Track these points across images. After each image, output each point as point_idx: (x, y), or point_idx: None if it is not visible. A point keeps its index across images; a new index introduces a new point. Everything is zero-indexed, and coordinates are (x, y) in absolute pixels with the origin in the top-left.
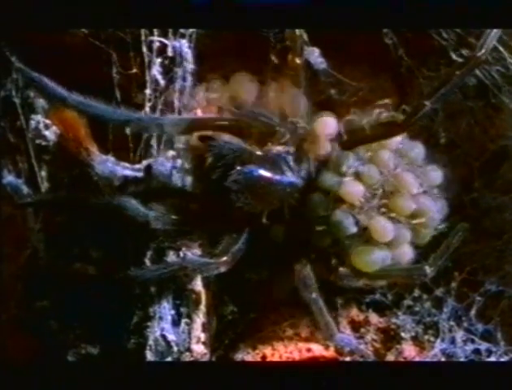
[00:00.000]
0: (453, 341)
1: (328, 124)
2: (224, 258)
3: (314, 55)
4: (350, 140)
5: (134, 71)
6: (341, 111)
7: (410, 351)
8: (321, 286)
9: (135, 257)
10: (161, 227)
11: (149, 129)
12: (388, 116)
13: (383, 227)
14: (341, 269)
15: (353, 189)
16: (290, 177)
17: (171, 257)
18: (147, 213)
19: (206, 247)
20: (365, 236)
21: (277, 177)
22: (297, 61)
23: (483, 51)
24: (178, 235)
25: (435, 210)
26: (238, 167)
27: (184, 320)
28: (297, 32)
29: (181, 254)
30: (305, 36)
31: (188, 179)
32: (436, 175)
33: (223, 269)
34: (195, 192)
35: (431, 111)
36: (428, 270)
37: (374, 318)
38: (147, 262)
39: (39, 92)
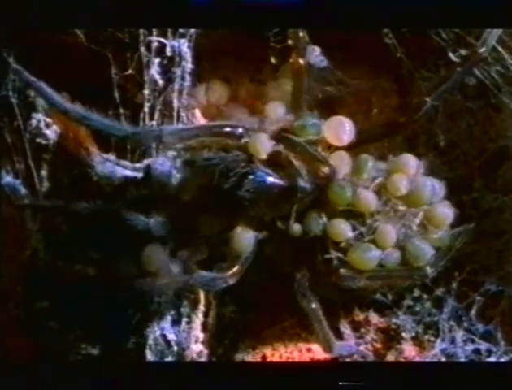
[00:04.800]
0: (453, 341)
1: (342, 125)
2: (232, 271)
3: (314, 54)
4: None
5: (133, 71)
6: (342, 111)
7: (410, 351)
8: (321, 286)
9: (135, 257)
10: (162, 234)
11: (148, 142)
12: None
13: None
14: (342, 270)
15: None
16: (300, 182)
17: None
18: (147, 221)
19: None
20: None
21: (288, 183)
22: (301, 61)
23: (484, 48)
24: (180, 242)
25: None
26: (250, 176)
27: (184, 320)
28: (300, 32)
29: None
30: (306, 36)
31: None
32: (447, 213)
33: (231, 282)
34: (198, 198)
35: (433, 109)
36: (429, 270)
37: (374, 318)
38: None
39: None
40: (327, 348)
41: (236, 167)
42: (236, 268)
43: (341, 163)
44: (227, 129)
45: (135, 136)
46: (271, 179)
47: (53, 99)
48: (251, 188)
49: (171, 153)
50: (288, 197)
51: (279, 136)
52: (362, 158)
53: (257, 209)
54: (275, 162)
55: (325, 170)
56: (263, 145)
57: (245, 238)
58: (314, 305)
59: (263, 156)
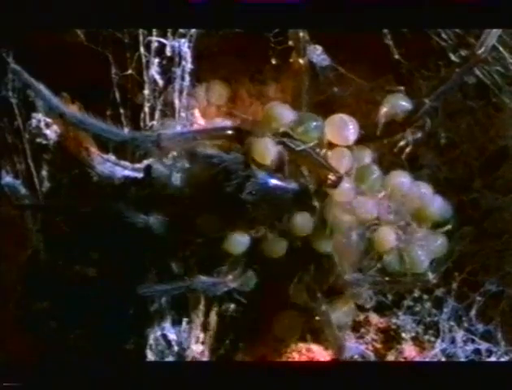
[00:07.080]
0: (453, 341)
1: (345, 124)
2: (233, 274)
3: (316, 53)
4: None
5: (132, 71)
6: (343, 111)
7: (410, 351)
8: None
9: (135, 258)
10: (163, 232)
11: (146, 147)
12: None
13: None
14: (347, 276)
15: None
16: (302, 184)
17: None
18: (147, 219)
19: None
20: None
21: (290, 185)
22: (301, 61)
23: (482, 49)
24: (181, 242)
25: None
26: (252, 179)
27: (184, 319)
28: (301, 32)
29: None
30: (306, 36)
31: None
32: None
33: (232, 285)
34: (198, 199)
35: (432, 109)
36: (431, 276)
37: (374, 318)
38: (147, 262)
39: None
40: (338, 350)
41: (236, 170)
42: (237, 271)
43: (342, 160)
44: (227, 133)
45: (132, 141)
46: (273, 181)
47: (50, 102)
48: (253, 190)
49: (172, 153)
50: (291, 200)
51: (281, 141)
52: (365, 169)
53: (259, 211)
54: (276, 165)
55: (330, 176)
56: (268, 151)
57: (239, 242)
58: (323, 308)
59: (268, 162)
